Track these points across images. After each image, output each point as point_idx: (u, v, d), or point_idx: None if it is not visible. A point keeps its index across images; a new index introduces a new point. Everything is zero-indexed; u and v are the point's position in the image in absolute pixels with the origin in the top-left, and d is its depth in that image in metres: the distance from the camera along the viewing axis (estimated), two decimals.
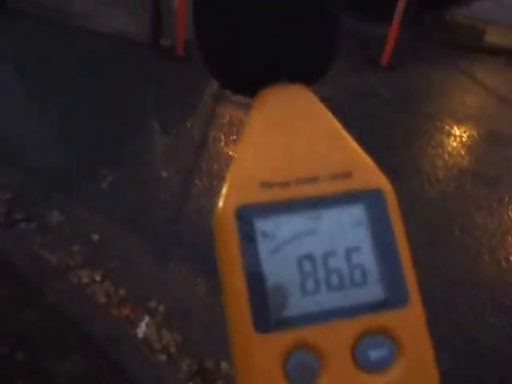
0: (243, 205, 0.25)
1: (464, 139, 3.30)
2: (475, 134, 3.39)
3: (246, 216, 0.24)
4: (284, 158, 0.26)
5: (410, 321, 0.25)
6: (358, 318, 0.24)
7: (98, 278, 1.98)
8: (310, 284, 0.24)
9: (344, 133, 0.27)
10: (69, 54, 4.06)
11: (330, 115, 0.27)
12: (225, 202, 0.25)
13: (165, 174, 2.64)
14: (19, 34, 4.41)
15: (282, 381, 0.23)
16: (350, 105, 3.51)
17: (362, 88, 3.92)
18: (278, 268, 0.24)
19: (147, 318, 1.80)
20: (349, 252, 0.25)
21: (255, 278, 0.24)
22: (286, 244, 0.24)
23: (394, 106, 3.67)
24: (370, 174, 0.26)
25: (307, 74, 0.28)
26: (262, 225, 0.24)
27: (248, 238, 0.24)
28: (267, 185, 0.25)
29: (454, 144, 3.22)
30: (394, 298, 0.25)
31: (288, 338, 0.23)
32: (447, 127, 3.42)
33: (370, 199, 0.26)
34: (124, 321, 1.79)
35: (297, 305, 0.24)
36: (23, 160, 2.66)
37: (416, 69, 4.50)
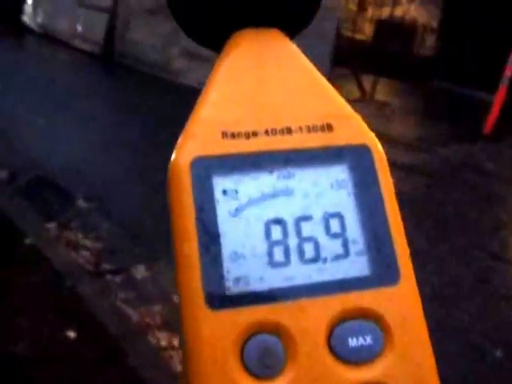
0: (200, 156, 0.21)
1: None
2: None
3: (203, 170, 0.21)
4: (252, 105, 0.23)
5: (402, 303, 0.21)
6: (337, 297, 0.20)
7: (175, 343, 1.95)
8: (278, 254, 0.21)
9: (325, 81, 0.24)
10: (171, 108, 4.36)
11: (308, 63, 0.24)
12: (178, 153, 0.21)
13: None
14: (125, 85, 4.84)
15: (237, 370, 0.19)
16: (450, 177, 3.28)
17: (463, 158, 3.67)
18: (239, 233, 0.20)
19: None
20: (327, 218, 0.21)
21: (210, 244, 0.20)
22: (250, 205, 0.21)
23: (500, 180, 3.37)
24: (354, 127, 0.23)
25: (285, 19, 0.24)
26: (223, 181, 0.21)
27: (204, 196, 0.21)
28: (230, 135, 0.22)
29: None
30: (381, 275, 0.21)
31: (247, 317, 0.20)
32: None
33: (354, 157, 0.22)
34: None
35: (260, 278, 0.20)
36: (115, 208, 2.79)
37: None
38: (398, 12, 6.69)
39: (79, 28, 5.99)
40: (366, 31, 7.09)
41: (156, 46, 5.24)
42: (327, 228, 0.21)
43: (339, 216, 0.21)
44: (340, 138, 0.22)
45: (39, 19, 6.44)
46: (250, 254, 0.20)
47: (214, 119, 0.22)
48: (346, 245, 0.21)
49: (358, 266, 0.21)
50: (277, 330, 0.20)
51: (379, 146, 0.23)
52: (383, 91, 5.25)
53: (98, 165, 3.16)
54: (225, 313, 0.19)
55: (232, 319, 0.19)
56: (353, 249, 0.21)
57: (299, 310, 0.20)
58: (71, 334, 1.75)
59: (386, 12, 6.71)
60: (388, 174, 0.22)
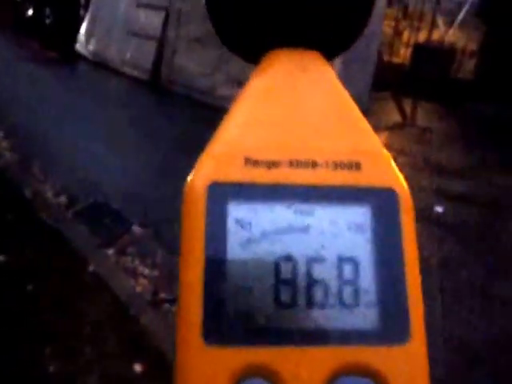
0: (218, 181, 0.20)
1: None
2: None
3: (219, 195, 0.20)
4: (279, 132, 0.21)
5: (408, 364, 0.19)
6: (340, 349, 0.19)
7: None
8: (285, 294, 0.19)
9: (359, 114, 0.22)
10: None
11: (344, 91, 0.22)
12: (196, 176, 0.20)
13: None
14: (176, 111, 5.01)
15: None
16: (494, 204, 3.21)
17: (508, 185, 3.59)
18: (247, 267, 0.19)
19: None
20: (342, 262, 0.20)
21: (216, 275, 0.19)
22: (263, 238, 0.20)
23: None
24: (383, 168, 0.21)
25: (326, 41, 0.23)
26: (237, 210, 0.20)
27: (217, 224, 0.20)
28: (252, 162, 0.21)
29: None
30: (389, 331, 0.19)
31: (244, 357, 0.18)
32: None
33: (379, 200, 0.21)
34: None
35: (263, 317, 0.19)
36: (169, 235, 2.76)
37: None
38: (436, 36, 6.73)
39: (128, 55, 6.31)
40: (402, 55, 7.15)
41: (203, 72, 5.45)
42: (339, 272, 0.20)
43: (353, 261, 0.20)
44: (367, 178, 0.21)
45: (91, 47, 6.84)
46: (255, 291, 0.19)
47: (238, 143, 0.21)
48: (356, 293, 0.20)
49: (366, 318, 0.19)
50: (271, 376, 0.19)
51: (407, 191, 0.21)
52: (423, 115, 5.25)
53: (154, 191, 3.16)
54: (221, 350, 0.18)
55: (228, 357, 0.18)
56: (363, 299, 0.20)
57: (299, 357, 0.19)
58: (137, 368, 1.74)
59: (423, 35, 6.76)
60: (412, 223, 0.21)
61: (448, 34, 6.79)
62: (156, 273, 2.48)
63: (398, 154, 3.67)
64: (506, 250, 2.56)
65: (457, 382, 1.57)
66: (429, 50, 6.44)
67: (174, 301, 2.30)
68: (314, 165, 0.21)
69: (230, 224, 0.20)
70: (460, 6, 6.50)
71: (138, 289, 2.25)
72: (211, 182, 0.20)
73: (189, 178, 0.21)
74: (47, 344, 1.77)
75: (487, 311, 1.94)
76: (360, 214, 0.21)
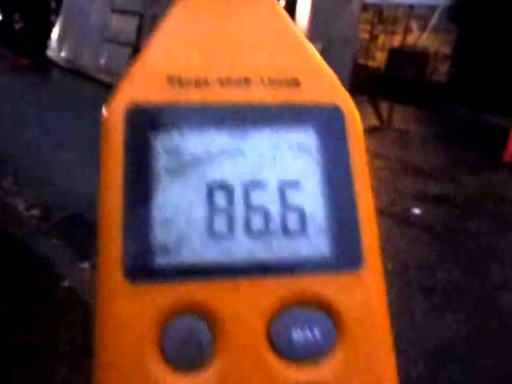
0: (138, 103, 0.18)
1: None
2: None
3: (140, 119, 0.18)
4: (207, 49, 0.19)
5: (361, 293, 0.17)
6: (283, 280, 0.17)
7: None
8: (220, 223, 0.17)
9: (299, 33, 0.20)
10: None
11: (283, 11, 0.20)
12: (113, 99, 0.18)
13: None
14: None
15: (154, 358, 0.16)
16: (469, 205, 3.29)
17: (482, 187, 3.69)
18: (175, 196, 0.17)
19: None
20: (284, 186, 0.18)
21: (138, 205, 0.17)
22: (192, 165, 0.18)
23: None
24: (325, 84, 0.20)
25: None
26: (163, 134, 0.18)
27: (138, 149, 0.17)
28: (176, 81, 0.18)
29: None
30: (340, 259, 0.18)
31: (172, 294, 0.16)
32: None
33: (322, 118, 0.19)
34: None
35: (195, 250, 0.17)
36: None
37: None
38: (410, 40, 6.86)
39: (103, 62, 6.22)
40: (378, 59, 7.27)
41: None
42: (282, 198, 0.18)
43: (298, 185, 0.18)
44: (307, 95, 0.19)
45: (64, 53, 6.71)
46: (185, 222, 0.17)
47: (160, 62, 0.19)
48: (302, 220, 0.18)
49: (314, 245, 0.18)
50: (205, 313, 0.16)
51: (352, 107, 0.20)
52: (400, 118, 5.35)
53: None
54: (146, 288, 0.16)
55: (154, 296, 0.16)
56: (310, 225, 0.18)
57: (235, 290, 0.17)
58: None
59: (397, 40, 6.89)
60: (361, 141, 0.19)
61: (422, 38, 6.94)
62: None
63: (375, 157, 3.71)
64: (480, 249, 2.62)
65: (431, 379, 1.59)
66: (403, 54, 6.57)
67: None
68: (247, 82, 0.19)
69: (154, 150, 0.18)
70: (433, 11, 6.65)
71: None
72: (130, 105, 0.18)
73: (105, 103, 0.18)
74: (21, 364, 1.72)
75: (462, 308, 1.97)
76: (302, 134, 0.19)
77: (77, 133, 4.34)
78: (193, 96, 0.18)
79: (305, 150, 0.19)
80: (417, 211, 2.99)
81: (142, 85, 0.18)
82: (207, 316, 0.16)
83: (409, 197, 3.16)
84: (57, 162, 3.56)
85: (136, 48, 5.90)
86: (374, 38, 7.43)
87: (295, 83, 0.19)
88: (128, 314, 0.16)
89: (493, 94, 5.14)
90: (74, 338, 1.86)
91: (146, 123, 0.18)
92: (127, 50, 5.98)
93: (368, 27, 7.32)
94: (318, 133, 0.19)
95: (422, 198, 3.17)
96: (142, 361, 0.16)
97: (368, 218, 0.18)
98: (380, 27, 7.49)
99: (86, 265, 2.42)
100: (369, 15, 7.33)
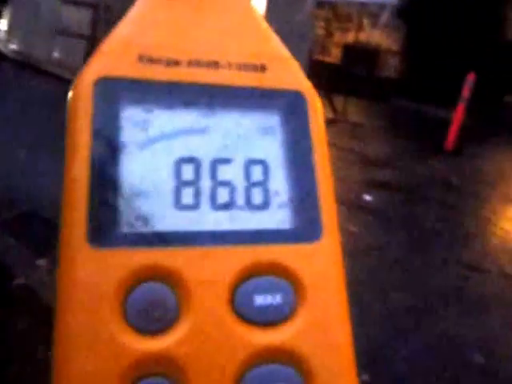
0: (108, 77, 0.19)
1: None
2: None
3: (109, 92, 0.18)
4: (179, 32, 0.20)
5: (320, 261, 0.19)
6: (247, 249, 0.18)
7: None
8: (187, 196, 0.18)
9: (265, 23, 0.22)
10: None
11: (253, 4, 0.22)
12: (84, 71, 0.19)
13: None
14: None
15: (117, 321, 0.16)
16: (415, 191, 3.50)
17: (427, 173, 3.93)
18: (143, 168, 0.18)
19: None
20: (249, 164, 0.20)
21: (104, 175, 0.18)
22: (160, 140, 0.19)
23: (462, 192, 3.63)
24: (289, 72, 0.21)
25: None
26: (131, 108, 0.19)
27: (106, 121, 0.18)
28: (147, 59, 0.19)
29: None
30: (301, 230, 0.19)
31: (136, 259, 0.17)
32: None
33: (286, 103, 0.21)
34: None
35: (161, 219, 0.18)
36: None
37: (483, 153, 4.50)
38: (363, 36, 7.11)
39: (56, 55, 6.02)
40: (334, 54, 7.47)
41: None
42: (247, 175, 0.19)
43: (263, 163, 0.20)
44: (273, 80, 0.21)
45: (14, 46, 6.43)
46: (153, 192, 0.18)
47: (132, 40, 0.20)
48: (266, 195, 0.19)
49: (277, 218, 0.19)
50: (170, 279, 0.17)
51: (314, 94, 0.22)
52: (353, 111, 5.54)
53: None
54: (110, 252, 0.17)
55: (117, 260, 0.17)
56: (274, 200, 0.19)
57: (200, 257, 0.17)
58: None
59: (351, 36, 7.11)
60: (322, 124, 0.21)
61: (373, 35, 7.20)
62: None
63: (330, 147, 3.85)
64: (426, 232, 2.79)
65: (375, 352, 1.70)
66: (357, 50, 6.79)
67: None
68: (216, 65, 0.20)
69: (122, 122, 0.18)
70: (383, 9, 6.92)
71: None
72: (100, 77, 0.19)
73: (76, 76, 0.19)
74: None
75: (409, 284, 2.12)
76: (268, 117, 0.20)
77: (29, 127, 4.17)
78: (163, 75, 0.19)
79: (269, 131, 0.20)
80: (368, 198, 3.15)
81: (112, 60, 0.19)
82: (172, 282, 0.17)
83: (361, 184, 3.32)
84: (7, 157, 3.41)
85: (92, 40, 5.76)
86: (329, 34, 7.62)
87: (262, 69, 0.21)
88: (90, 279, 0.16)
89: (436, 89, 5.44)
90: (28, 331, 1.81)
91: (115, 96, 0.18)
92: (82, 43, 5.82)
93: (324, 24, 7.51)
94: (281, 115, 0.20)
95: (372, 186, 3.34)
96: (104, 324, 0.16)
97: (327, 193, 0.20)
98: (335, 24, 7.71)
99: (41, 262, 2.37)
100: (324, 12, 7.52)
